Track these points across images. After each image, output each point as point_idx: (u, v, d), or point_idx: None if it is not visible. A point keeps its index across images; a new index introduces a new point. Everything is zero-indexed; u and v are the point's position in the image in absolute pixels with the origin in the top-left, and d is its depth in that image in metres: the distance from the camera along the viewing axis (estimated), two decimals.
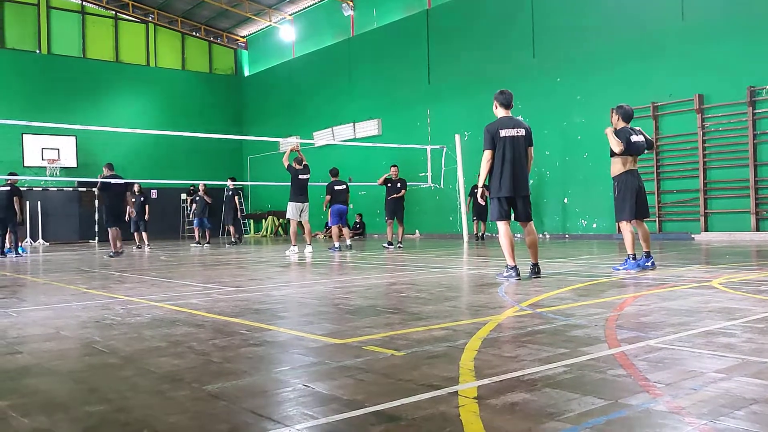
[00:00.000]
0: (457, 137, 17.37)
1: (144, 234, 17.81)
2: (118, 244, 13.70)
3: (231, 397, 2.55)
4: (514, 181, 6.74)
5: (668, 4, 15.02)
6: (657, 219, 15.24)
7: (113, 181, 13.83)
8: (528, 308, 4.68)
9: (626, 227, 7.36)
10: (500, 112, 6.93)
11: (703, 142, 14.44)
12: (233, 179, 19.68)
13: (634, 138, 7.29)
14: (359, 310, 4.93)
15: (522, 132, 6.80)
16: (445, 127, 19.42)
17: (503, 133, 6.73)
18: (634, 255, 7.28)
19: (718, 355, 3.05)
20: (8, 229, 14.46)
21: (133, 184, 18.67)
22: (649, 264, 7.37)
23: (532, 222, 7.02)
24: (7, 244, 14.75)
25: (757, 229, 13.64)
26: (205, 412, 2.40)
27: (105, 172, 13.95)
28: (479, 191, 7.56)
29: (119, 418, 2.35)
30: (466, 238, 16.78)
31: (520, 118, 7.05)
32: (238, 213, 20.01)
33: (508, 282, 6.52)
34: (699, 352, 3.13)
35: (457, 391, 2.53)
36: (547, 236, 17.34)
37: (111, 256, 13.32)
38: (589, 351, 3.19)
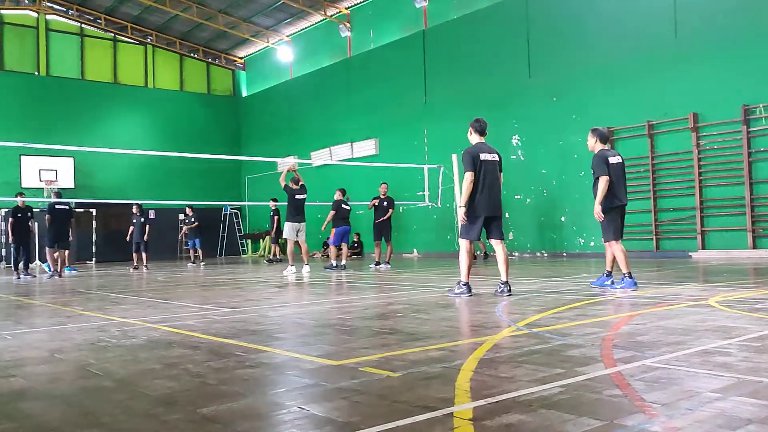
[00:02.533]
0: (454, 156, 17.29)
1: (144, 255, 17.80)
2: (57, 265, 14.43)
3: (225, 420, 2.54)
4: (490, 202, 7.08)
5: (662, 25, 15.18)
6: (654, 237, 15.26)
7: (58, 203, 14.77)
8: (524, 328, 4.67)
9: (617, 247, 7.48)
10: (475, 139, 7.32)
11: (699, 160, 14.51)
12: (275, 200, 19.74)
13: (612, 160, 7.50)
14: (356, 330, 4.92)
15: (496, 157, 7.22)
16: (442, 147, 19.47)
17: (483, 156, 7.09)
18: (630, 273, 7.35)
19: (715, 374, 3.05)
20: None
21: (131, 205, 18.80)
22: (608, 283, 7.48)
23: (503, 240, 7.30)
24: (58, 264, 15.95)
25: (754, 247, 13.65)
26: None
27: (53, 198, 14.98)
28: (461, 211, 7.42)
29: None
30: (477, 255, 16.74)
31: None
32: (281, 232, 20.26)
33: (460, 298, 6.83)
34: (695, 371, 3.13)
35: (452, 413, 2.52)
36: (545, 255, 17.34)
37: (59, 276, 14.07)
38: (585, 371, 3.19)
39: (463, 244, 7.22)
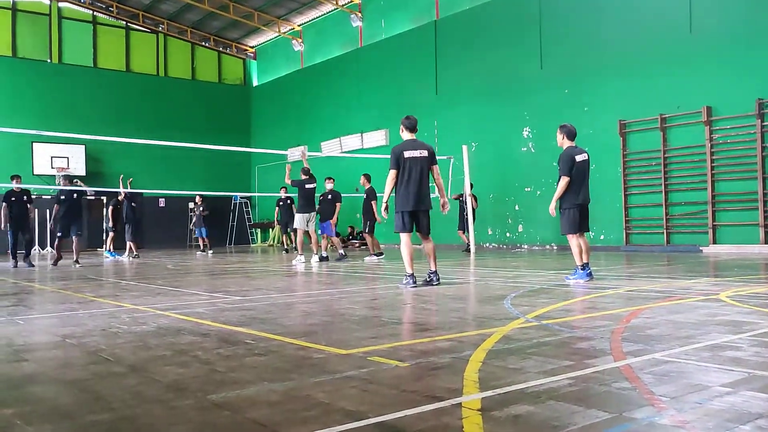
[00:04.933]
0: (465, 148, 17.39)
1: (129, 242, 17.84)
2: (59, 255, 14.04)
3: (235, 407, 2.56)
4: (416, 197, 7.40)
5: (676, 17, 15.03)
6: (665, 231, 15.18)
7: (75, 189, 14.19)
8: (534, 320, 4.66)
9: (572, 240, 7.75)
10: (406, 135, 7.66)
11: (712, 154, 14.39)
12: (285, 189, 19.60)
13: (578, 157, 7.73)
14: (364, 320, 4.93)
15: (424, 153, 7.50)
16: (452, 138, 19.43)
17: (407, 154, 7.44)
18: (583, 265, 7.66)
19: (725, 368, 3.03)
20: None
21: (138, 194, 18.87)
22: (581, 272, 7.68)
23: (429, 235, 7.64)
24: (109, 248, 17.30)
25: (766, 242, 13.54)
26: (208, 421, 2.40)
27: (64, 183, 14.28)
28: (383, 206, 7.73)
29: (123, 427, 2.36)
30: (473, 249, 16.75)
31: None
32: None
33: (407, 288, 7.16)
34: (705, 365, 3.11)
35: (460, 403, 2.53)
36: (555, 247, 17.29)
37: (77, 265, 13.48)
38: (594, 363, 3.18)
39: (401, 238, 7.55)
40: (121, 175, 18.64)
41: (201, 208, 20.16)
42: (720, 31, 14.33)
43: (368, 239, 14.24)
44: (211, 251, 19.65)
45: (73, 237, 13.94)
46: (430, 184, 7.65)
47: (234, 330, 4.49)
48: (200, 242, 20.38)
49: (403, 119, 7.73)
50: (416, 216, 7.50)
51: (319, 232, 14.31)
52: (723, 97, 14.21)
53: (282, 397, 2.72)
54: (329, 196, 14.12)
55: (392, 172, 7.49)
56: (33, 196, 14.52)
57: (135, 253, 17.85)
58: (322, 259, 13.49)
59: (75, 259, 13.87)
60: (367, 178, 14.32)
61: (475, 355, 3.44)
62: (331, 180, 14.37)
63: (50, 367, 3.41)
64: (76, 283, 9.00)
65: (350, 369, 3.17)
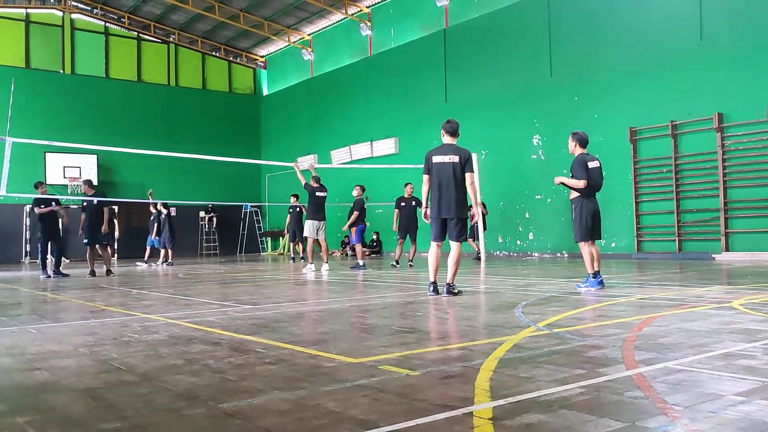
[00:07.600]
0: (474, 156, 17.33)
1: (162, 251, 18.19)
2: (102, 265, 13.58)
3: (246, 416, 2.56)
4: (441, 204, 7.24)
5: (687, 24, 14.98)
6: (677, 239, 15.08)
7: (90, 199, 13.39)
8: (545, 328, 4.64)
9: (585, 248, 7.65)
10: (446, 140, 7.54)
11: (723, 161, 14.29)
12: (296, 196, 19.34)
13: (591, 164, 7.65)
14: (375, 329, 4.93)
15: (455, 159, 7.27)
16: (462, 145, 19.34)
17: (435, 159, 7.35)
18: (595, 273, 7.57)
19: (738, 377, 3.00)
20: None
21: (150, 203, 18.99)
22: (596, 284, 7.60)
23: (459, 244, 7.32)
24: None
25: None
26: (220, 430, 2.41)
27: (85, 189, 13.61)
28: (423, 211, 7.71)
29: None
30: (483, 257, 16.70)
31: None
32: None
33: (427, 296, 7.18)
34: (718, 374, 3.09)
35: (472, 412, 2.52)
36: (565, 255, 17.22)
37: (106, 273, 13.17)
38: (606, 372, 3.16)
39: (431, 245, 7.43)
40: (150, 191, 19.25)
41: (163, 217, 18.47)
42: (731, 38, 14.27)
43: (404, 247, 14.67)
44: (152, 264, 18.27)
45: (98, 246, 13.43)
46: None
47: (245, 339, 4.50)
48: (160, 251, 18.73)
49: (444, 123, 7.60)
50: (446, 223, 7.34)
51: (355, 240, 14.75)
52: (734, 104, 14.12)
53: (293, 405, 2.72)
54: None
55: (424, 177, 7.41)
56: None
57: (170, 260, 18.12)
58: (358, 267, 13.66)
59: (107, 268, 13.41)
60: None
61: (486, 363, 3.42)
62: (357, 188, 14.56)
63: (62, 376, 3.43)
64: (87, 292, 9.05)
65: (361, 378, 3.17)
